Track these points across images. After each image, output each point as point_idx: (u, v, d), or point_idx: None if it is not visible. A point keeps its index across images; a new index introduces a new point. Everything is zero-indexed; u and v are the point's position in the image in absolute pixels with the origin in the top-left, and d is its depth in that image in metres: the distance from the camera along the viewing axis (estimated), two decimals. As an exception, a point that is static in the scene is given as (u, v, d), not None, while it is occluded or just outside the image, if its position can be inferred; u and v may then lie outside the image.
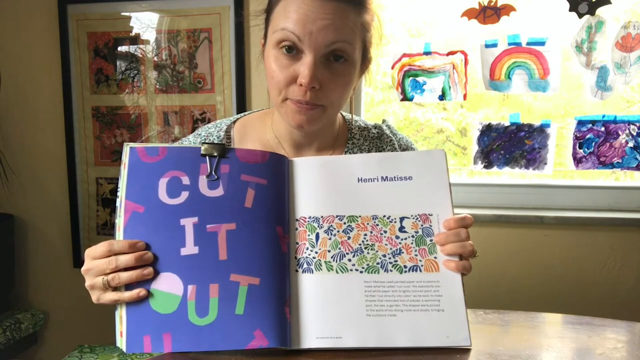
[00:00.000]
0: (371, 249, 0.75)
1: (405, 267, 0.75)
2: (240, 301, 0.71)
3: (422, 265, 0.75)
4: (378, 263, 0.75)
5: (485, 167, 1.82)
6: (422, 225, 0.77)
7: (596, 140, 1.73)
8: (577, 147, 1.75)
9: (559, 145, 1.78)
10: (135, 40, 1.94)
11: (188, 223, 0.74)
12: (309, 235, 0.76)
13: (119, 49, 1.96)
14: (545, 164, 1.77)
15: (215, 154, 0.78)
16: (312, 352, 0.70)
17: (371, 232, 0.76)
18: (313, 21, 0.79)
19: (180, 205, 0.75)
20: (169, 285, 0.71)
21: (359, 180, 0.80)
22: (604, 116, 1.72)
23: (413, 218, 0.77)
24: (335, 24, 0.80)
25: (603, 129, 1.72)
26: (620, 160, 1.73)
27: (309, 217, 0.77)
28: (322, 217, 0.77)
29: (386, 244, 0.76)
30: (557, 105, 1.82)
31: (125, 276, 0.71)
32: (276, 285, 0.73)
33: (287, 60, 0.82)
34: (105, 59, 1.98)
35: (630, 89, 1.76)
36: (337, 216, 0.77)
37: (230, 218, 0.75)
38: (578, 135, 1.74)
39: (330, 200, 0.78)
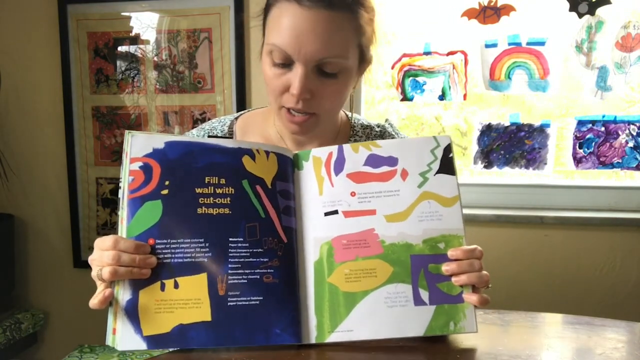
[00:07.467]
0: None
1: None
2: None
3: None
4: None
5: (485, 167, 1.82)
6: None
7: (596, 140, 1.73)
8: (577, 147, 1.75)
9: (559, 145, 1.78)
10: (135, 40, 1.94)
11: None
12: None
13: (119, 49, 1.96)
14: (545, 164, 1.77)
15: None
16: (324, 346, 0.70)
17: None
18: (305, 36, 0.78)
19: None
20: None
21: None
22: (604, 116, 1.72)
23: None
24: (327, 39, 0.79)
25: (603, 129, 1.72)
26: (620, 160, 1.72)
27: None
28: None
29: None
30: (557, 105, 1.82)
31: (123, 270, 0.68)
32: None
33: (279, 69, 0.83)
34: (105, 59, 1.98)
35: (630, 89, 1.75)
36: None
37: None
38: (578, 135, 1.74)
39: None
